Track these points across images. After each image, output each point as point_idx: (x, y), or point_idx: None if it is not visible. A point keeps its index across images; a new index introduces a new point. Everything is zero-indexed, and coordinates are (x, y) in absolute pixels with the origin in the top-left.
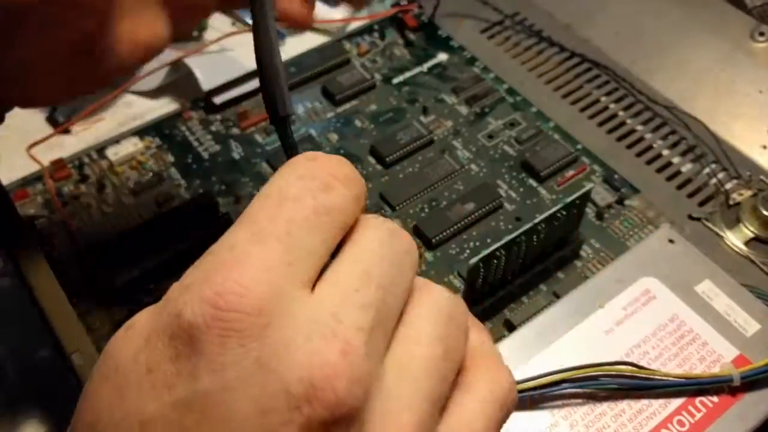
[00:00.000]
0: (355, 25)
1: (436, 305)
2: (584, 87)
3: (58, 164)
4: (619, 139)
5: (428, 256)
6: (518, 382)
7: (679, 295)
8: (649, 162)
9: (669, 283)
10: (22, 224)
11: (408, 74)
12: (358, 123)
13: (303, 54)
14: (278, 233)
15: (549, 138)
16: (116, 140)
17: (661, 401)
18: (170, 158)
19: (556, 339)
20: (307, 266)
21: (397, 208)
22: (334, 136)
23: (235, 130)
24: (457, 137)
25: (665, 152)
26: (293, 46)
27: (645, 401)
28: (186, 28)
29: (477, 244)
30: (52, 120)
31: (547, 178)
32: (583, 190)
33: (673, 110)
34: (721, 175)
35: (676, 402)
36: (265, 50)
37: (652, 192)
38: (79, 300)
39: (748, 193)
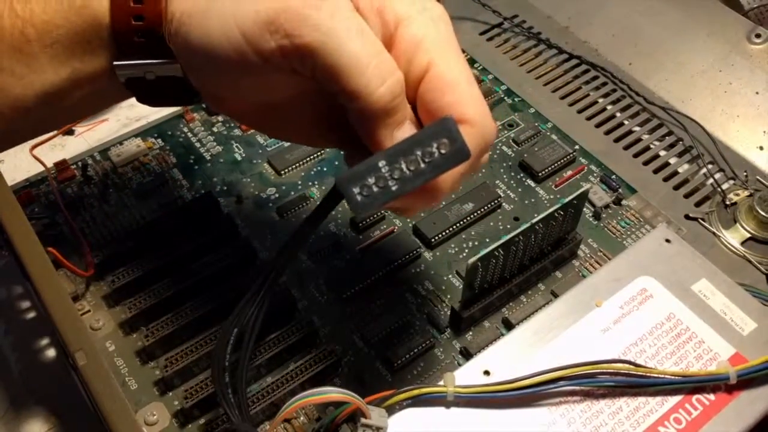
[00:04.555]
0: None
1: None
2: (582, 88)
3: (62, 165)
4: (617, 140)
5: (427, 255)
6: (516, 380)
7: (676, 294)
8: (646, 162)
9: (666, 282)
10: (27, 225)
11: None
12: None
13: None
14: None
15: (547, 139)
16: (119, 141)
17: (658, 399)
18: (173, 159)
19: (554, 337)
20: None
21: None
22: None
23: (237, 131)
24: None
25: (662, 153)
26: None
27: (642, 399)
28: None
29: (476, 243)
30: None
31: (545, 179)
32: (581, 191)
33: (670, 111)
34: (717, 176)
35: (673, 400)
36: None
37: (649, 192)
38: (82, 299)
39: (744, 193)
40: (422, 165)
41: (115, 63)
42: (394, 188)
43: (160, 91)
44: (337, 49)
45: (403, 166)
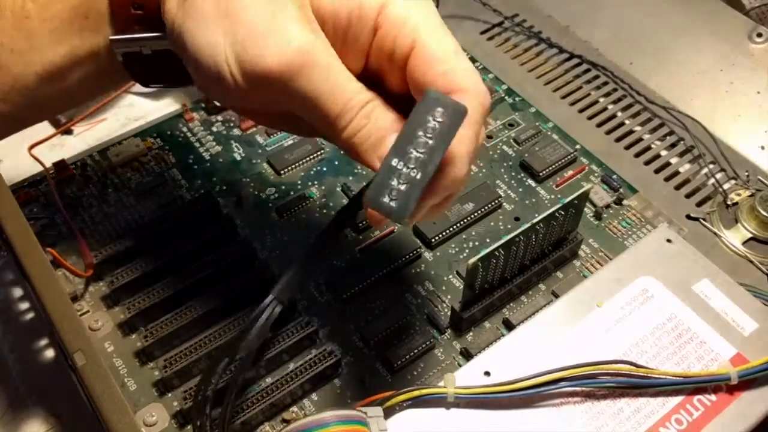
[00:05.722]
0: None
1: None
2: (583, 88)
3: (61, 165)
4: (618, 139)
5: (427, 255)
6: (517, 381)
7: (677, 295)
8: (647, 162)
9: (667, 282)
10: (26, 225)
11: None
12: None
13: None
14: None
15: (548, 138)
16: (118, 141)
17: (659, 400)
18: (172, 159)
19: (555, 338)
20: None
21: None
22: None
23: (236, 131)
24: None
25: (663, 152)
26: None
27: (643, 400)
28: None
29: (476, 243)
30: (54, 120)
31: (546, 179)
32: (582, 190)
33: (672, 111)
34: (719, 176)
35: (674, 400)
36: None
37: (650, 192)
38: (81, 300)
39: (746, 193)
40: (431, 142)
41: (111, 38)
42: (418, 177)
43: (156, 67)
44: (306, 92)
45: (414, 152)
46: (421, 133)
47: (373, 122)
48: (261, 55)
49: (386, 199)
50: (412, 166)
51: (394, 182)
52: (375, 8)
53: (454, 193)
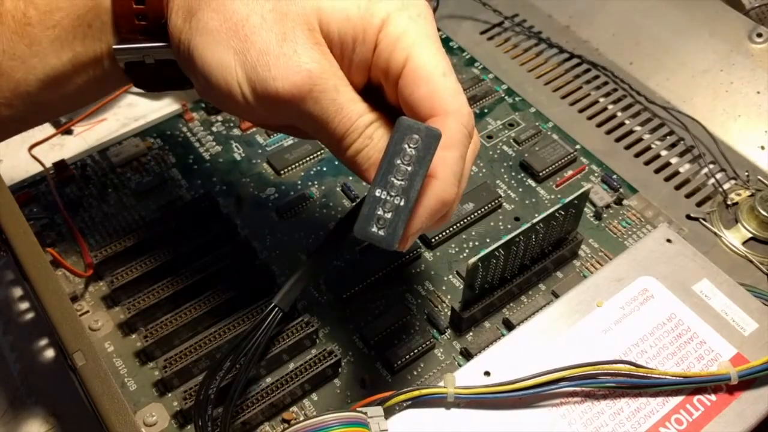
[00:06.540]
0: None
1: None
2: (583, 88)
3: (61, 165)
4: (618, 139)
5: (427, 255)
6: (517, 381)
7: (677, 294)
8: (647, 162)
9: (667, 282)
10: (25, 225)
11: None
12: None
13: None
14: None
15: (548, 138)
16: (118, 141)
17: (659, 400)
18: (171, 159)
19: (555, 338)
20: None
21: None
22: None
23: (236, 131)
24: None
25: (663, 152)
26: None
27: (643, 399)
28: None
29: (476, 243)
30: (54, 120)
31: (546, 178)
32: (582, 190)
33: (672, 111)
34: (719, 175)
35: (674, 400)
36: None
37: (650, 192)
38: (81, 300)
39: (746, 193)
40: (410, 168)
41: (114, 47)
42: (402, 203)
43: (159, 75)
44: (313, 113)
45: (395, 180)
46: (399, 162)
47: (375, 143)
48: (272, 77)
49: (374, 229)
50: (395, 194)
51: (380, 211)
52: (377, 26)
53: (448, 214)
